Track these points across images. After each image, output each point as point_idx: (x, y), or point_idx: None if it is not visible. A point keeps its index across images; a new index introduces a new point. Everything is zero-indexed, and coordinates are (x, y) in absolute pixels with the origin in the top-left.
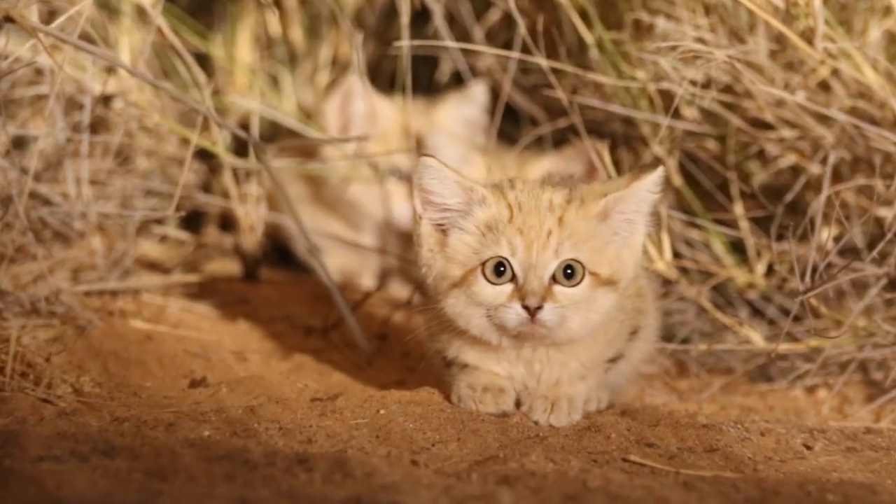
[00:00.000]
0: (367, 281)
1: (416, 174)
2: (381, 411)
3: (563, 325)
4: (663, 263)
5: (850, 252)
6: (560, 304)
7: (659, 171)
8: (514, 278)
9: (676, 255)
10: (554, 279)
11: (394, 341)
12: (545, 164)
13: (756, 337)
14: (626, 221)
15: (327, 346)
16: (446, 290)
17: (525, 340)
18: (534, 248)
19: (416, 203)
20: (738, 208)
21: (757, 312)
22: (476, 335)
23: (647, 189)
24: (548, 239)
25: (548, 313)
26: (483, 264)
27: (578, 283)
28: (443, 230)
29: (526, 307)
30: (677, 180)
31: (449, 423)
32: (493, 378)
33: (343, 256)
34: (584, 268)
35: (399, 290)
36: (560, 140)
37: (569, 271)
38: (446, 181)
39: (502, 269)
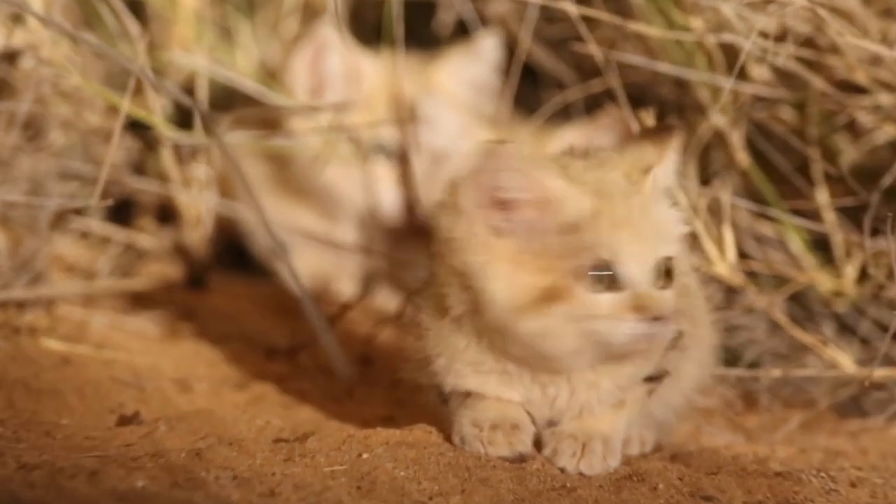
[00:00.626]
0: (347, 288)
1: (476, 165)
2: (364, 455)
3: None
4: (725, 266)
5: None
6: (669, 311)
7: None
8: (616, 284)
9: (742, 255)
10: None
11: (380, 366)
12: (569, 136)
13: (845, 360)
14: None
15: (295, 372)
16: (523, 309)
17: (617, 360)
18: (636, 244)
19: (467, 200)
20: (822, 195)
21: (846, 329)
22: (558, 356)
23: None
24: (643, 231)
25: (666, 325)
26: (577, 271)
27: (671, 283)
28: (500, 233)
29: (648, 319)
30: (744, 159)
31: (450, 470)
32: (503, 410)
33: (316, 257)
34: (672, 266)
35: (387, 299)
36: (593, 108)
37: (669, 271)
38: (518, 174)
39: (603, 275)
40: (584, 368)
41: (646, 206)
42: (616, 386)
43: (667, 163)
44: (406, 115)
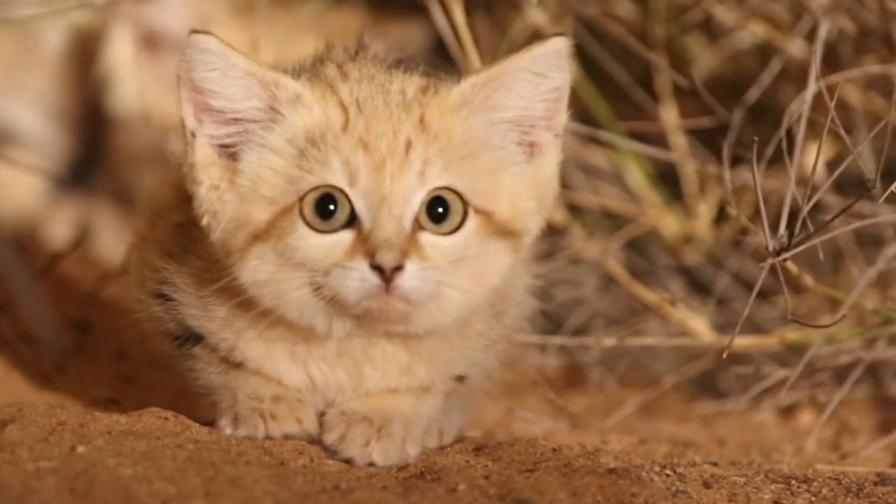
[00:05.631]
0: (60, 230)
1: (182, 64)
2: (80, 448)
3: (436, 298)
4: None
5: (852, 186)
6: (430, 262)
7: (558, 41)
8: (354, 222)
9: (566, 187)
10: (418, 223)
11: (102, 334)
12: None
13: (698, 325)
14: (518, 126)
15: None
16: (243, 248)
17: (374, 325)
18: (386, 169)
19: (185, 113)
20: (670, 114)
21: (699, 286)
22: (294, 319)
23: (539, 66)
24: (406, 154)
25: (412, 278)
26: (301, 200)
27: (457, 227)
28: (232, 154)
29: (377, 267)
30: None
31: (192, 466)
32: (277, 386)
33: (22, 184)
34: (464, 203)
35: (113, 245)
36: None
37: (440, 209)
38: (233, 72)
39: (333, 206)
40: (344, 334)
41: (426, 122)
42: (431, 371)
43: (513, 69)
44: None
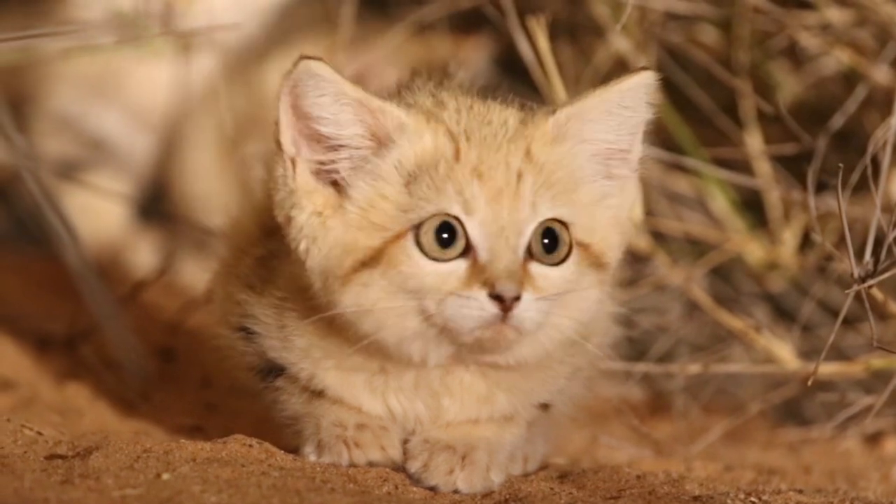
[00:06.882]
0: (144, 257)
1: (286, 89)
2: (165, 475)
3: (543, 329)
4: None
5: None
6: (542, 293)
7: (648, 75)
8: (468, 251)
9: (650, 214)
10: (530, 254)
11: (186, 362)
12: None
13: (783, 352)
14: (604, 160)
15: (75, 368)
16: (347, 274)
17: (480, 354)
18: (503, 200)
19: (284, 139)
20: (754, 140)
21: (784, 313)
22: (391, 345)
23: (628, 100)
24: (518, 185)
25: (527, 308)
26: (417, 228)
27: (564, 258)
28: (334, 182)
29: (496, 297)
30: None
31: (276, 493)
32: (362, 414)
33: (106, 211)
34: (569, 234)
35: (195, 273)
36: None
37: (550, 240)
38: (343, 99)
39: (449, 235)
40: (440, 362)
41: (532, 154)
42: (512, 401)
43: (601, 101)
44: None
